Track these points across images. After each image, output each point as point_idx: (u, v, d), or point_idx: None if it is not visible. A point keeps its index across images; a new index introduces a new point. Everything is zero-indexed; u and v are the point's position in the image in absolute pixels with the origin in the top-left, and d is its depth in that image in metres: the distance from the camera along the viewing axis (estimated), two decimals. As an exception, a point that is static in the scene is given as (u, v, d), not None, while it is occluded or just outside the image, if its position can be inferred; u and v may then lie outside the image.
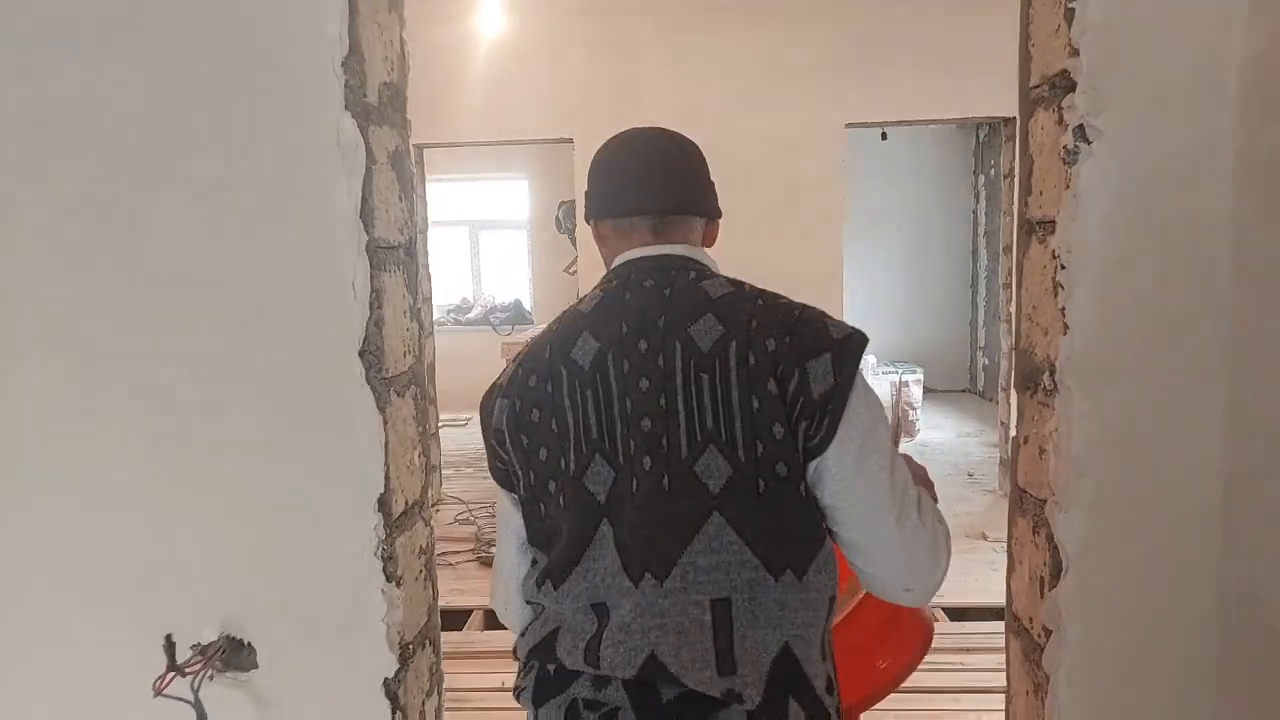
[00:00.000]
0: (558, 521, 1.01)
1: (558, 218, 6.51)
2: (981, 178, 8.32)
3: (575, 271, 5.17)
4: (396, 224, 1.39)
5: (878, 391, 6.24)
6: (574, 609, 0.98)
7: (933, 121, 5.55)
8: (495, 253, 9.11)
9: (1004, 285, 4.88)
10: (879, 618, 1.38)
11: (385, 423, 1.26)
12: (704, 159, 1.20)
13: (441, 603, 3.64)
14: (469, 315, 8.66)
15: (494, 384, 1.11)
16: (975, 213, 8.47)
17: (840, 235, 4.84)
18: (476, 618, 3.50)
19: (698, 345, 0.96)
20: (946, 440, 6.46)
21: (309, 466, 1.24)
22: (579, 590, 0.97)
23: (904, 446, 6.29)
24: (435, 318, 9.16)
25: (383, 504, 1.25)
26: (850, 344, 0.97)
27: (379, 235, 1.30)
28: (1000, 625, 3.17)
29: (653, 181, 1.11)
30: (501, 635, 3.24)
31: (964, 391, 8.47)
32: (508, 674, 2.95)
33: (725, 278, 1.08)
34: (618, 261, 1.10)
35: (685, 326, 0.97)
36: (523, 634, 1.07)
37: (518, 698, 1.04)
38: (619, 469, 0.97)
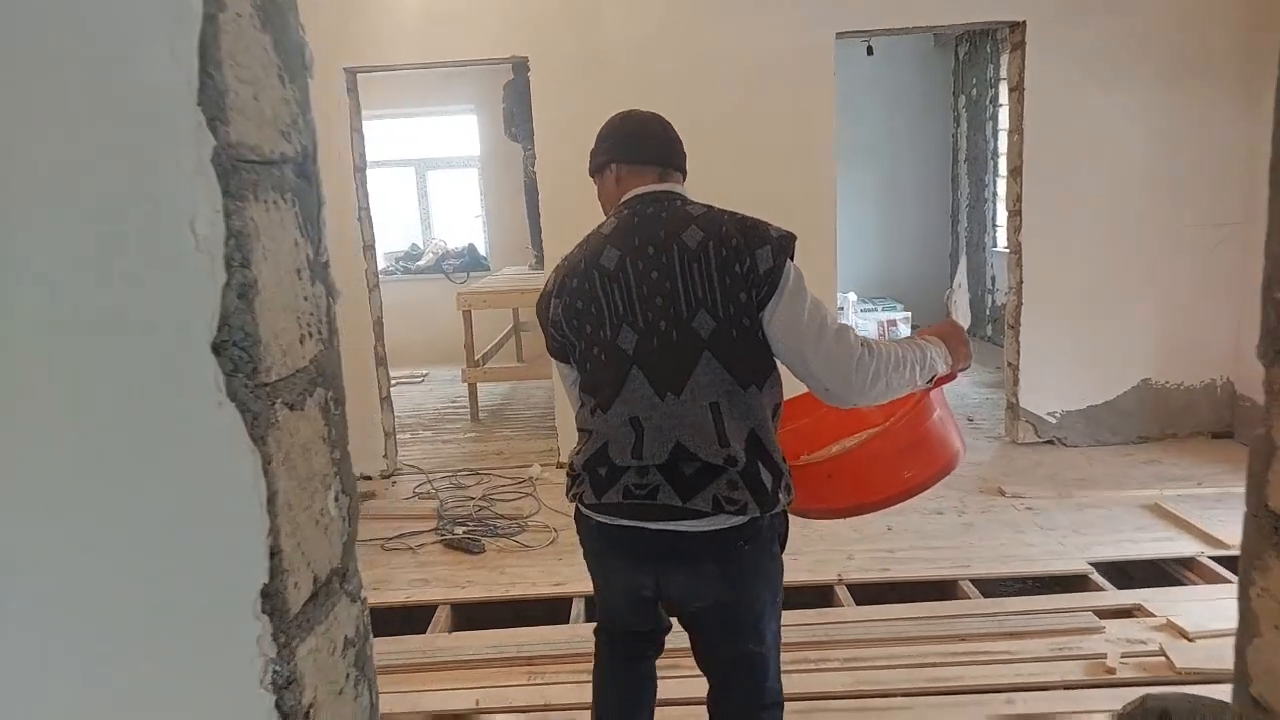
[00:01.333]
0: (603, 371, 1.56)
1: (507, 114, 5.94)
2: (962, 99, 7.83)
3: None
4: (275, 122, 0.82)
5: (864, 330, 5.77)
6: (618, 425, 1.52)
7: (934, 28, 5.02)
8: (445, 194, 8.43)
9: (1011, 212, 4.44)
10: (909, 436, 1.68)
11: (266, 460, 0.74)
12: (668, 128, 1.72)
13: (401, 597, 3.21)
14: (419, 263, 8.02)
15: (544, 291, 1.67)
16: (955, 137, 8.01)
17: (832, 159, 4.34)
18: (443, 615, 3.04)
19: (688, 245, 1.51)
20: (937, 381, 6.09)
21: (136, 554, 0.70)
22: (621, 412, 1.52)
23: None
24: (381, 266, 8.55)
25: (269, 598, 0.74)
26: (783, 239, 1.53)
27: (240, 139, 0.72)
28: (1047, 600, 2.85)
29: (658, 143, 1.68)
30: (476, 640, 2.79)
31: (945, 327, 8.11)
32: (484, 689, 2.50)
33: (702, 203, 1.62)
34: (630, 194, 1.63)
35: (679, 234, 1.53)
36: (577, 452, 1.60)
37: (574, 497, 1.62)
38: (641, 332, 1.52)
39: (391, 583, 3.30)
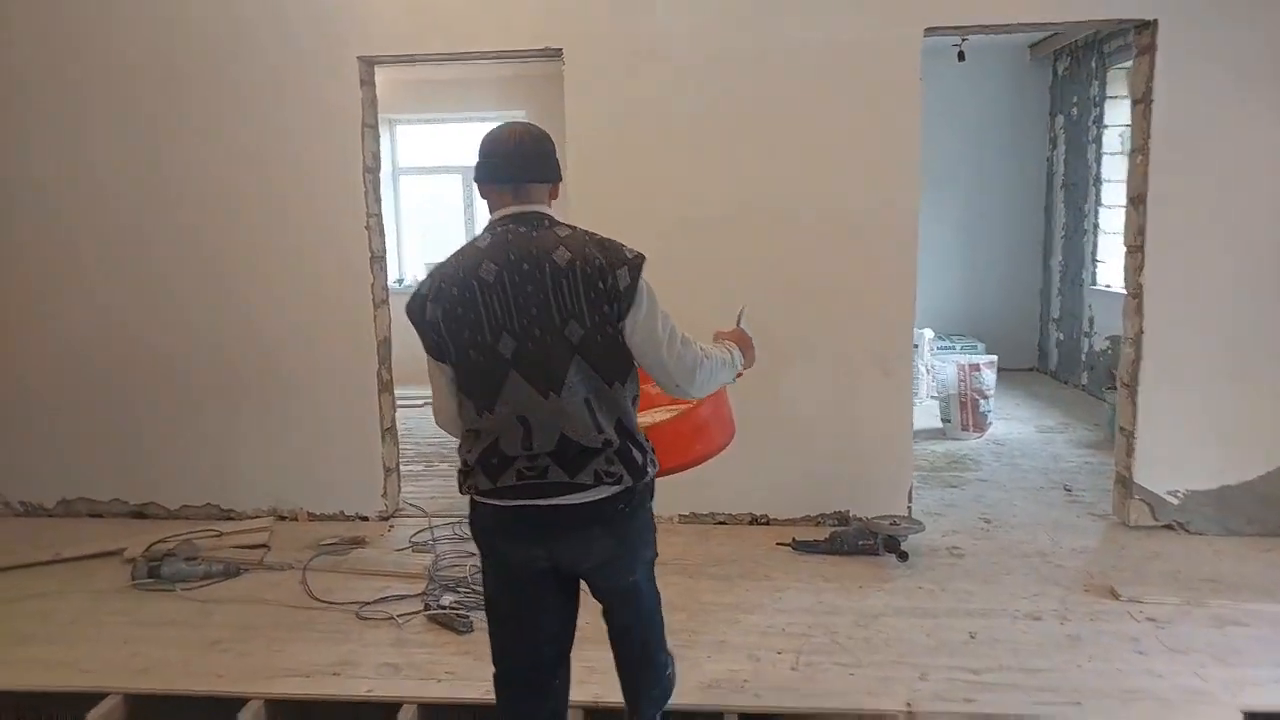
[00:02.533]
0: (480, 372, 1.76)
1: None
2: (1060, 118, 7.03)
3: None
4: None
5: (943, 374, 5.01)
6: (507, 422, 1.76)
7: (1042, 25, 4.31)
8: (490, 204, 7.96)
9: (1130, 248, 3.70)
10: (695, 423, 2.19)
11: None
12: (550, 139, 1.87)
13: (363, 689, 2.57)
14: (459, 276, 7.54)
15: (417, 294, 1.81)
16: (1051, 160, 7.20)
17: (916, 175, 3.66)
18: (407, 718, 2.46)
19: (558, 264, 1.73)
20: (1025, 437, 5.31)
21: None
22: (507, 411, 1.76)
23: (975, 444, 5.16)
24: (421, 277, 8.04)
25: None
26: (636, 259, 1.77)
27: None
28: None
29: (525, 162, 1.81)
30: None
31: (1031, 370, 7.29)
32: None
33: (567, 225, 1.83)
34: (501, 213, 1.82)
35: (550, 253, 1.74)
36: (469, 450, 1.83)
37: (468, 489, 1.85)
38: (519, 339, 1.74)
39: (357, 667, 2.73)
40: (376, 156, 3.95)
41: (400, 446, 5.28)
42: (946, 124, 6.75)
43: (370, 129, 3.88)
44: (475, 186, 1.86)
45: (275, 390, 3.99)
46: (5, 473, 4.16)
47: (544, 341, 1.73)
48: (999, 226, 7.34)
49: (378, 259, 3.95)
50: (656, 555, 1.99)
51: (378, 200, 3.97)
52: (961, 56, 5.88)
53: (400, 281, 7.79)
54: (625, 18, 3.65)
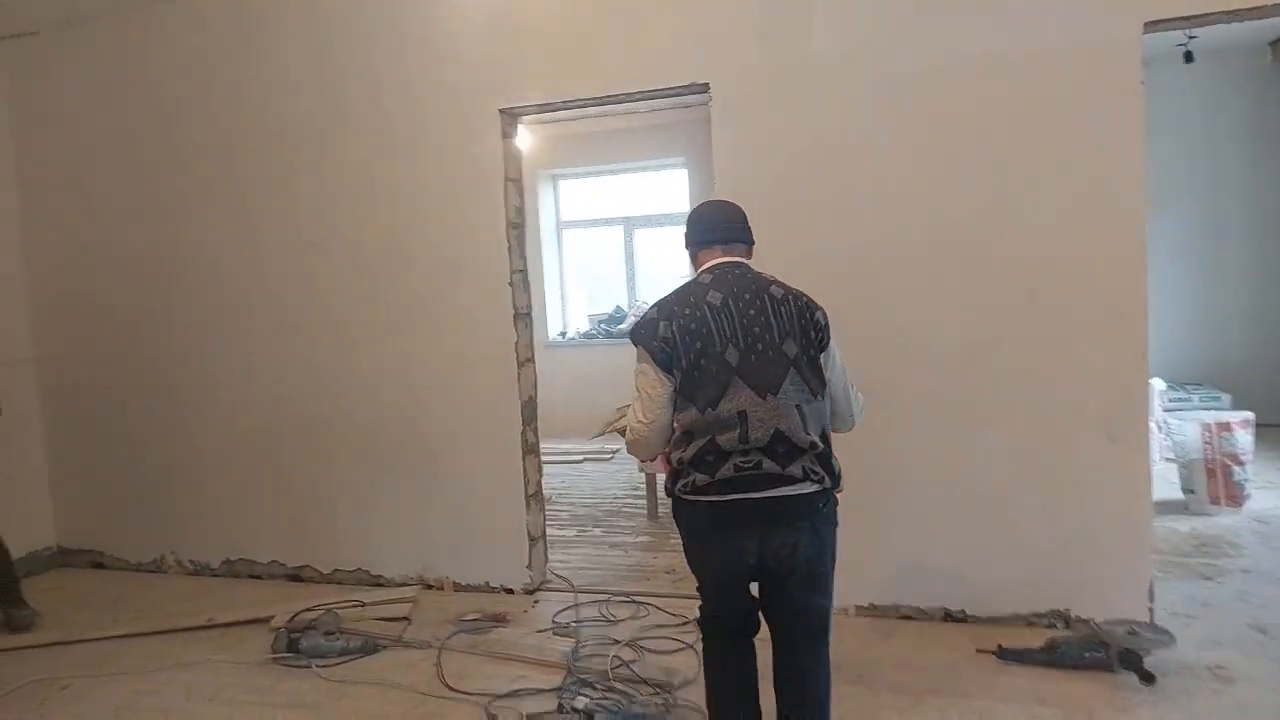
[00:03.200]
0: (710, 377, 2.04)
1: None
2: (1317, 125, 5.88)
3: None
4: None
5: (1181, 434, 4.30)
6: (728, 417, 2.01)
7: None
8: (653, 254, 7.78)
9: None
10: None
11: None
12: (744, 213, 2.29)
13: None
14: (621, 326, 7.38)
15: (645, 319, 2.14)
16: (1307, 174, 6.03)
17: (1139, 203, 2.99)
18: None
19: (775, 295, 2.11)
20: (1296, 514, 4.28)
21: None
22: (730, 408, 2.01)
23: (1229, 521, 4.21)
24: (585, 329, 8.07)
25: None
26: (822, 309, 2.15)
27: None
28: None
29: (723, 227, 2.24)
30: None
31: (1294, 426, 6.04)
32: None
33: (766, 273, 2.19)
34: (713, 262, 2.20)
35: (767, 288, 2.12)
36: (684, 450, 2.06)
37: (682, 489, 2.09)
38: (742, 351, 2.05)
39: (477, 777, 2.43)
40: (520, 211, 3.79)
41: (553, 508, 5.14)
42: (1171, 138, 5.83)
43: (513, 183, 3.72)
44: (688, 251, 2.29)
45: (420, 454, 3.87)
46: (177, 532, 4.30)
47: (765, 354, 2.05)
48: (1241, 255, 6.21)
49: (522, 316, 3.76)
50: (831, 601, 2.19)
51: (522, 256, 3.79)
52: (1189, 57, 5.02)
53: (564, 334, 7.75)
54: (777, 45, 3.28)
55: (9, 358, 4.33)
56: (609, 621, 3.46)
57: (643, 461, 2.54)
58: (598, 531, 4.69)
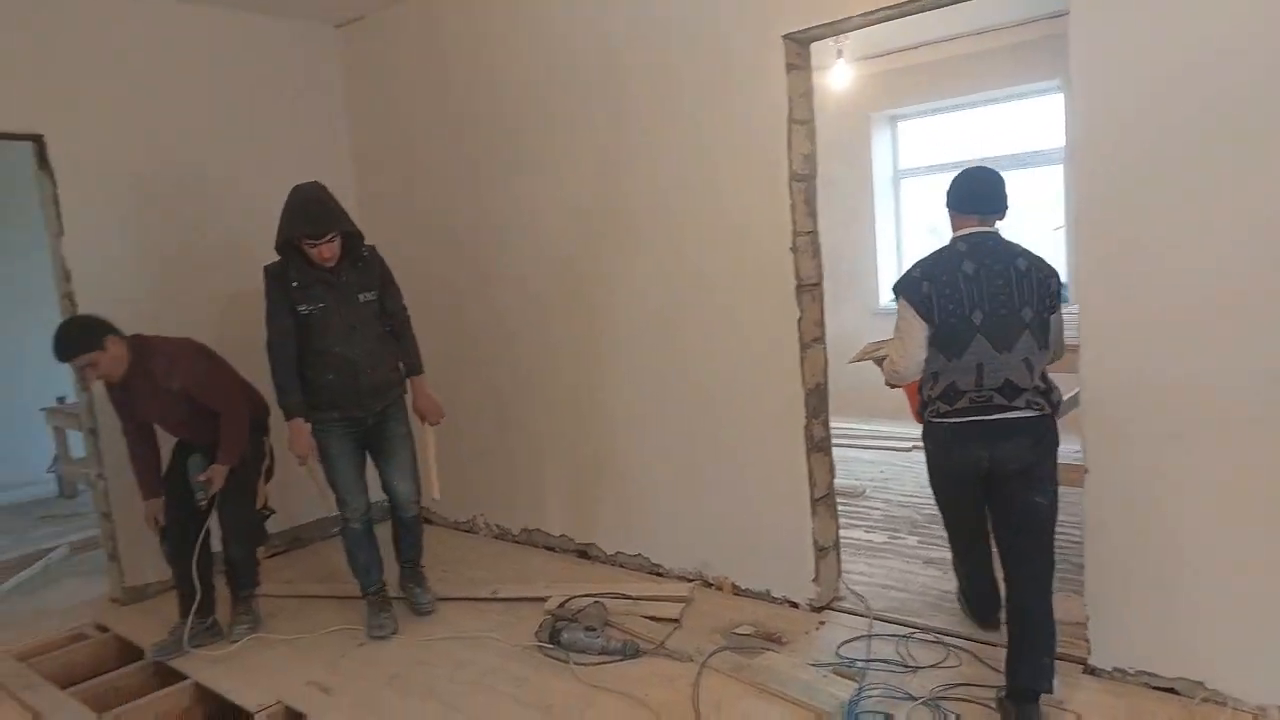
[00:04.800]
0: (955, 334, 2.47)
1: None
2: None
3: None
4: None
5: None
6: (965, 367, 2.47)
7: None
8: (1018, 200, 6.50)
9: None
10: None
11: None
12: (1004, 182, 2.61)
13: None
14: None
15: (909, 275, 2.57)
16: None
17: None
18: None
19: (1020, 268, 2.45)
20: None
21: None
22: (969, 359, 2.46)
23: None
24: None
25: None
26: (1056, 276, 2.51)
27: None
28: None
29: (987, 199, 2.55)
30: None
31: None
32: None
33: (1015, 244, 2.54)
34: (963, 232, 2.55)
35: (1014, 260, 2.47)
36: (932, 387, 2.57)
37: (930, 414, 2.59)
38: (986, 314, 2.44)
39: None
40: (811, 160, 3.17)
41: (864, 504, 4.48)
42: None
43: (801, 126, 3.11)
44: (947, 211, 2.61)
45: (699, 443, 3.50)
46: (487, 496, 4.45)
47: (1005, 318, 2.44)
48: None
49: (808, 288, 3.17)
50: (1056, 492, 2.52)
51: (811, 215, 3.18)
52: None
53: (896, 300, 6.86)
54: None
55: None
56: (905, 667, 2.81)
57: (892, 383, 2.82)
58: (912, 541, 3.96)
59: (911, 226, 6.89)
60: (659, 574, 3.72)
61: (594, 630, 3.11)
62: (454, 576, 3.92)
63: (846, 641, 3.00)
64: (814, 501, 3.23)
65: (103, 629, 3.66)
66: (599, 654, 3.03)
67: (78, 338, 3.09)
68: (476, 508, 4.53)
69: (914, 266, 2.59)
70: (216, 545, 3.44)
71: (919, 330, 2.53)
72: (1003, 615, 2.78)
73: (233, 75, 4.26)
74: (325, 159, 4.59)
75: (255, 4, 4.25)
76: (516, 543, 4.33)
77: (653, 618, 3.30)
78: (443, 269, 4.40)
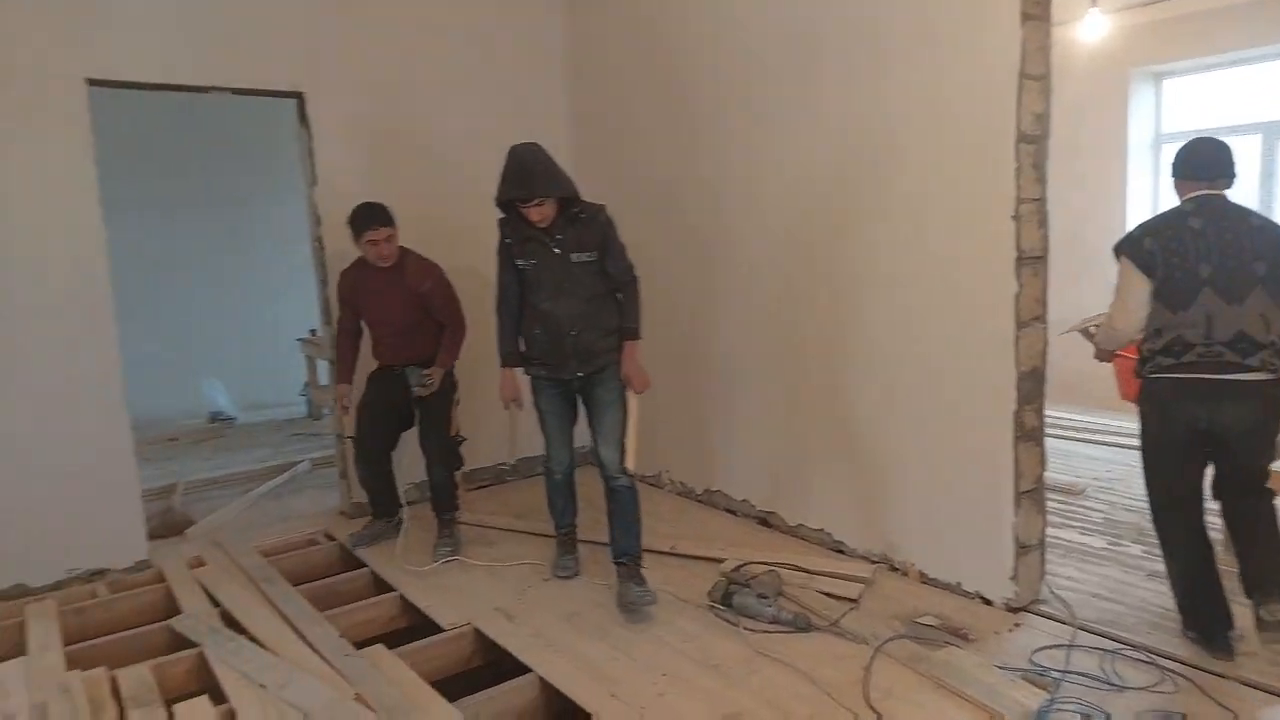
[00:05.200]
0: (1180, 286, 2.53)
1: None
2: None
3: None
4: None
5: None
6: (1192, 320, 2.51)
7: None
8: (1308, 173, 5.53)
9: None
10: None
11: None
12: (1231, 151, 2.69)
13: None
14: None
15: (1130, 236, 2.67)
16: None
17: None
18: None
19: (1251, 223, 2.54)
20: None
21: None
22: (1196, 311, 2.50)
23: None
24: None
25: None
26: None
27: None
28: None
29: (1220, 162, 2.63)
30: None
31: None
32: None
33: (1246, 207, 2.61)
34: (1195, 194, 2.62)
35: (1245, 217, 2.56)
36: (1156, 340, 2.60)
37: (1150, 367, 2.62)
38: (1215, 268, 2.49)
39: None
40: (1043, 121, 2.85)
41: (1084, 504, 4.08)
42: None
43: (1034, 82, 2.81)
44: (1174, 178, 2.73)
45: (895, 420, 3.32)
46: (673, 453, 4.51)
47: (1235, 271, 2.50)
48: None
49: (1029, 261, 2.88)
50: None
51: (1040, 180, 2.88)
52: None
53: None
54: None
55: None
56: (1109, 685, 2.54)
57: (1101, 356, 2.89)
58: (1135, 550, 3.54)
59: (1172, 196, 6.07)
60: (841, 551, 3.61)
61: (766, 598, 3.07)
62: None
63: (1043, 648, 2.75)
64: (1019, 494, 2.97)
65: (330, 537, 4.12)
66: (769, 622, 3.00)
67: (385, 212, 3.65)
68: (661, 463, 4.61)
69: (1136, 228, 2.69)
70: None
71: (1140, 287, 2.62)
72: (1234, 637, 2.65)
73: (464, 39, 4.52)
74: (545, 119, 4.78)
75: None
76: (699, 501, 4.36)
77: (829, 594, 3.20)
78: (654, 233, 4.46)
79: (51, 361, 3.50)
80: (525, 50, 4.74)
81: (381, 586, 3.57)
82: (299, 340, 6.73)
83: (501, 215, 3.27)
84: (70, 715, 2.46)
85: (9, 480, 3.44)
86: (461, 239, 4.36)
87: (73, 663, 2.88)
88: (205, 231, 6.93)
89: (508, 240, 3.28)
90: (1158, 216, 2.68)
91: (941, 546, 3.23)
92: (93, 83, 3.52)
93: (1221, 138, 2.72)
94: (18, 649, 3.05)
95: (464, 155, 4.50)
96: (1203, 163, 2.64)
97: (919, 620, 2.96)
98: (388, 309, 3.73)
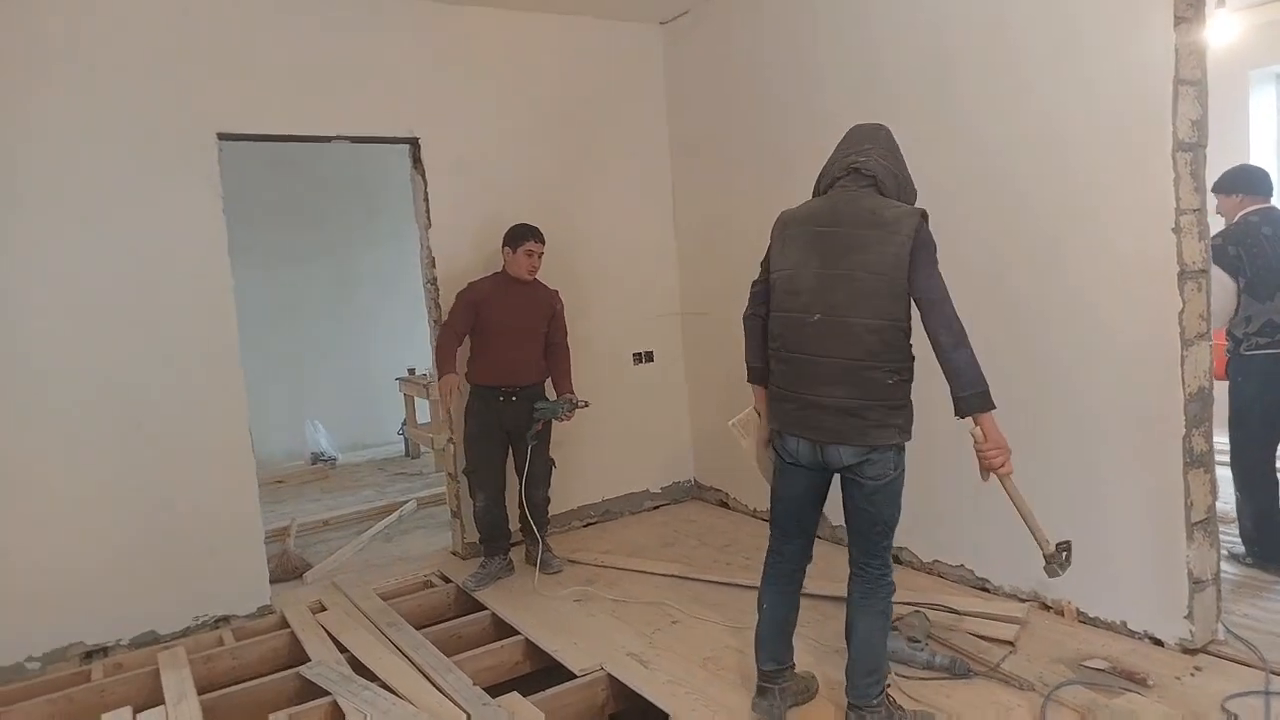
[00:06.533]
0: (1264, 281, 3.23)
1: None
2: None
3: None
4: None
5: None
6: (1277, 307, 3.19)
7: None
8: None
9: None
10: None
11: None
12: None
13: None
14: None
15: (1214, 245, 2.89)
16: None
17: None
18: None
19: None
20: None
21: None
22: None
23: None
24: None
25: None
26: None
27: None
28: None
29: (1263, 179, 3.41)
30: None
31: None
32: None
33: None
34: (1251, 209, 3.35)
35: None
36: (1246, 326, 3.28)
37: (1247, 348, 3.31)
38: None
39: None
40: (1200, 127, 2.67)
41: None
42: None
43: (1190, 87, 2.64)
44: (1219, 194, 3.43)
45: (1046, 447, 3.12)
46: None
47: None
48: None
49: (1193, 275, 2.68)
50: None
51: (1198, 190, 2.69)
52: None
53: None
54: None
55: (661, 310, 4.93)
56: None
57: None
58: (1314, 581, 3.26)
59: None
60: (984, 589, 3.40)
61: (918, 642, 2.90)
62: (757, 566, 3.87)
63: (1236, 695, 2.52)
64: (1190, 525, 2.75)
65: (445, 579, 4.09)
66: (923, 668, 2.82)
67: (540, 231, 3.86)
68: (777, 498, 4.46)
69: (1215, 236, 3.02)
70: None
71: (1226, 291, 3.20)
72: None
73: (568, 76, 4.54)
74: (649, 152, 4.78)
75: (592, 8, 4.48)
76: (819, 537, 4.18)
77: (980, 636, 3.01)
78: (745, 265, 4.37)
79: (182, 406, 3.56)
80: (626, 84, 4.74)
81: (504, 629, 3.51)
82: (398, 380, 6.82)
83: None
84: (219, 768, 2.44)
85: (140, 526, 3.50)
86: (575, 274, 4.35)
87: (208, 712, 2.87)
88: (306, 276, 7.11)
89: None
90: (1227, 230, 3.33)
91: (1102, 582, 3.00)
92: (223, 136, 3.62)
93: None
94: (153, 697, 3.07)
95: (569, 198, 4.51)
96: (1258, 182, 3.37)
97: (1088, 664, 2.75)
98: (522, 319, 3.84)
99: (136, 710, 2.88)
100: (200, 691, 3.03)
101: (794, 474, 2.48)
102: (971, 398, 2.24)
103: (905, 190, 2.38)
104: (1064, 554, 2.39)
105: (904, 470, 2.39)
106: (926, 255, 2.24)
